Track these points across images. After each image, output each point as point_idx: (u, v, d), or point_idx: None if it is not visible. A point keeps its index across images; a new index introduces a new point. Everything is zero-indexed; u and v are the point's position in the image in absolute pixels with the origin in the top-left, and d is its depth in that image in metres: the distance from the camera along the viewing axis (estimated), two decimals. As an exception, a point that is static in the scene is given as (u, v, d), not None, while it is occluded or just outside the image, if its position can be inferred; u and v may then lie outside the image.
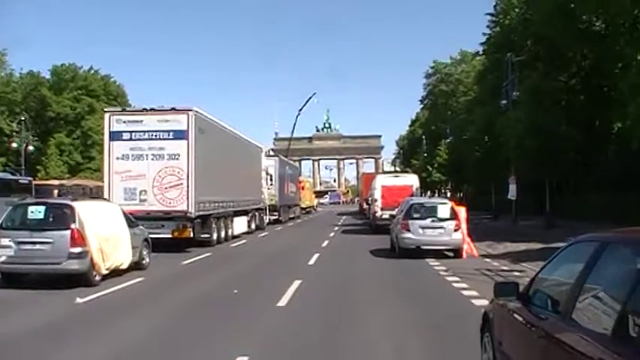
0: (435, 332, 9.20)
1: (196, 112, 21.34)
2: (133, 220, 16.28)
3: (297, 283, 13.48)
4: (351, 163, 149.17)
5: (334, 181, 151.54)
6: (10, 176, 32.04)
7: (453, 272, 15.49)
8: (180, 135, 20.90)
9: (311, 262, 18.46)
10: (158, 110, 21.58)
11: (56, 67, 71.30)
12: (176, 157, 20.90)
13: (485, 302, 11.23)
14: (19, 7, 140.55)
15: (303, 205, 58.70)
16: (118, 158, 21.25)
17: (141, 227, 16.76)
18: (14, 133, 56.36)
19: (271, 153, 42.13)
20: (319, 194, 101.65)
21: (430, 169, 73.24)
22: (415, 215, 19.69)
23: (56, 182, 46.43)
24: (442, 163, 70.50)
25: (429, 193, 70.47)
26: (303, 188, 58.73)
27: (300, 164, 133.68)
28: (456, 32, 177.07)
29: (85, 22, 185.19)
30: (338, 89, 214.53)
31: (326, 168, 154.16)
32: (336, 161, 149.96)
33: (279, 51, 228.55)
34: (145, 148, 21.08)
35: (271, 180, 38.18)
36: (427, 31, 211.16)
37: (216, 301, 12.03)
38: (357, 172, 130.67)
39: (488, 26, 47.27)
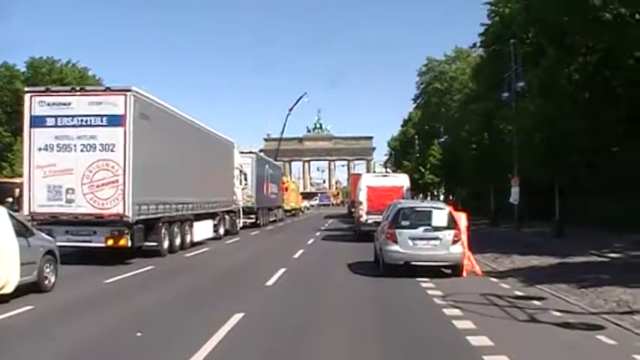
0: None
1: (136, 92, 17.26)
2: (27, 227, 12.37)
3: (235, 319, 9.61)
4: (342, 165, 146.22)
5: (324, 182, 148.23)
6: None
7: (452, 301, 11.53)
8: (115, 121, 16.93)
9: (270, 282, 14.36)
10: (90, 91, 17.86)
11: (32, 60, 68.37)
12: (111, 148, 16.94)
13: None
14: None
15: (287, 207, 55.39)
16: (40, 149, 17.26)
17: (43, 236, 12.85)
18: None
19: (250, 150, 38.25)
20: (307, 196, 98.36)
21: (422, 170, 69.39)
22: (404, 223, 15.65)
23: (19, 180, 42.42)
24: (435, 164, 66.63)
25: (421, 195, 66.70)
26: (287, 189, 55.40)
27: (290, 165, 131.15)
28: (450, 33, 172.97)
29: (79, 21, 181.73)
30: (330, 89, 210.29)
31: (317, 169, 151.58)
32: (327, 162, 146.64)
33: (275, 54, 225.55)
34: (74, 137, 17.11)
35: (246, 179, 34.36)
36: (421, 31, 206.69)
37: (105, 349, 8.09)
38: (348, 174, 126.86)
39: (488, 16, 43.63)
